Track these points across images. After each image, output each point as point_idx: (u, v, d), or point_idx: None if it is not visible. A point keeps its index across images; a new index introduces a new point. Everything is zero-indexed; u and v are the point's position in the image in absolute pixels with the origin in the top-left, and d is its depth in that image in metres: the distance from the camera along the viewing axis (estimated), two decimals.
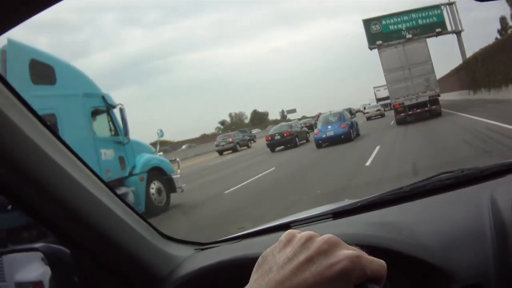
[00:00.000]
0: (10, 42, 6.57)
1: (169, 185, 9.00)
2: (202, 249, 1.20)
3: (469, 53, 29.47)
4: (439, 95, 19.09)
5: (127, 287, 1.01)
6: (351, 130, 17.96)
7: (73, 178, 0.86)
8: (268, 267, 0.45)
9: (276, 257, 0.45)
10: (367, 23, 31.72)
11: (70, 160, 0.88)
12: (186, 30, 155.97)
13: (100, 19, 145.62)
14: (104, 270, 0.97)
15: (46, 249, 1.02)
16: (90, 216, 0.89)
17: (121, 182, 8.02)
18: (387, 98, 29.38)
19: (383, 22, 31.60)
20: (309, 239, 0.45)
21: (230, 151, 30.10)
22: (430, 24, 30.86)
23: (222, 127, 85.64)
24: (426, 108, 18.66)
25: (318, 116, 27.47)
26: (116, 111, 8.11)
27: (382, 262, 0.45)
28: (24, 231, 5.91)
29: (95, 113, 7.78)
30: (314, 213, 1.21)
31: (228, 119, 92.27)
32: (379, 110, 36.39)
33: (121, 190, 7.77)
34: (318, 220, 1.17)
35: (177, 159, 10.22)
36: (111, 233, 0.94)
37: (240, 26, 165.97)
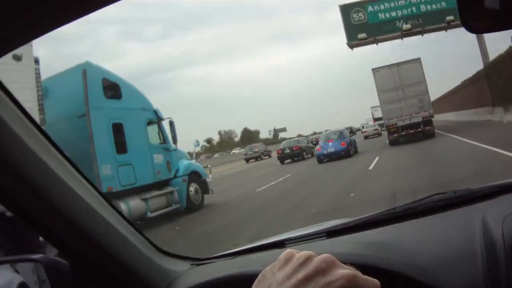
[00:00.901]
0: (88, 63, 8.22)
1: (204, 187, 10.74)
2: (198, 265, 1.21)
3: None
4: (432, 116, 19.09)
5: None
6: (350, 147, 18.75)
7: (74, 192, 0.88)
8: (267, 284, 0.46)
9: (275, 274, 0.46)
10: (346, 10, 22.54)
11: (71, 174, 0.90)
12: (185, 45, 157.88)
13: (101, 32, 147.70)
14: (102, 283, 0.98)
15: (45, 260, 1.01)
16: (90, 229, 0.91)
17: (167, 182, 9.81)
18: None
19: (369, 8, 22.34)
20: (308, 258, 0.47)
21: (254, 160, 36.04)
22: (437, 11, 21.64)
23: (208, 145, 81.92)
24: (420, 129, 18.71)
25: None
26: (165, 123, 9.77)
27: (376, 281, 0.47)
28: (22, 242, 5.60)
29: (149, 124, 9.55)
30: (308, 231, 1.23)
31: (215, 137, 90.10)
32: (376, 129, 36.66)
33: (168, 189, 9.65)
34: (312, 238, 1.18)
35: (209, 166, 11.87)
36: (110, 246, 0.95)
37: (238, 43, 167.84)
